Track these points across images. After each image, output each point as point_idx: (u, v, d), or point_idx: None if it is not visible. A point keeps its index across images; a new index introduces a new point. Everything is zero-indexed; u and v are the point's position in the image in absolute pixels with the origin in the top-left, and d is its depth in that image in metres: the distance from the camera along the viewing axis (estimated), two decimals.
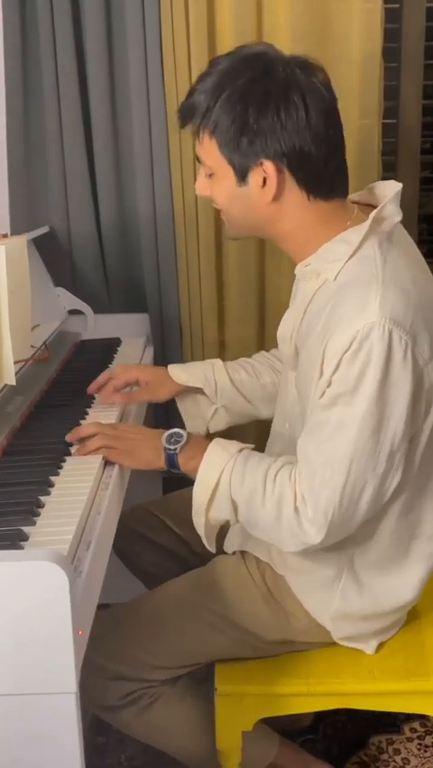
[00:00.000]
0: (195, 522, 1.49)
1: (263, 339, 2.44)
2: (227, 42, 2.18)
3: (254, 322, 2.43)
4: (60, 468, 1.46)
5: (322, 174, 1.42)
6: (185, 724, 1.66)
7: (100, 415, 1.73)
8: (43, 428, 1.65)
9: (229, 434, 1.73)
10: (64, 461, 1.49)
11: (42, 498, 1.33)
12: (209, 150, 1.44)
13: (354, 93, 2.26)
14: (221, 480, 1.45)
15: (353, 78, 2.24)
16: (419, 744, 2.07)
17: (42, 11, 2.19)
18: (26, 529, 1.22)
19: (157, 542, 1.88)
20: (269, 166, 1.40)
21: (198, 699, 1.68)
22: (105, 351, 2.21)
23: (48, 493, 1.36)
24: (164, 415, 2.16)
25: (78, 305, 2.36)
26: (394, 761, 2.02)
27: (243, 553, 1.66)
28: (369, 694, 1.59)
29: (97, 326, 2.37)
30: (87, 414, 1.74)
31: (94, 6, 2.19)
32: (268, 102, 1.37)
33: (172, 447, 1.52)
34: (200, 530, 1.50)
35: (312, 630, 1.59)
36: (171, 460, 1.52)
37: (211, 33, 2.21)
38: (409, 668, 1.59)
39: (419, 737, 2.08)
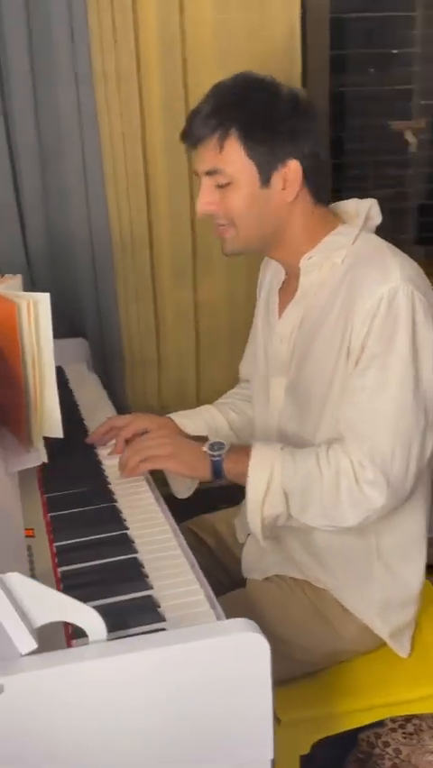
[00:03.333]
0: (250, 522, 1.49)
1: (198, 354, 2.44)
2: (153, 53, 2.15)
3: (192, 335, 2.43)
4: (125, 519, 1.40)
5: (324, 179, 1.55)
6: None
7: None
8: (65, 473, 1.57)
9: None
10: (120, 511, 1.44)
11: (138, 557, 1.27)
12: (232, 155, 1.46)
13: None
14: (274, 473, 1.45)
15: None
16: (403, 732, 2.16)
17: None
18: (151, 593, 1.17)
19: None
20: (295, 166, 1.47)
21: None
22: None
23: (136, 550, 1.30)
24: None
25: None
26: (388, 753, 2.09)
27: (276, 575, 1.66)
28: (416, 700, 1.65)
29: None
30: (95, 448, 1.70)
31: (16, 10, 2.07)
32: (296, 106, 1.48)
33: (217, 453, 1.51)
34: (256, 530, 1.49)
35: (360, 636, 1.62)
36: (218, 467, 1.50)
37: (136, 40, 2.15)
38: None
39: (400, 726, 2.17)
